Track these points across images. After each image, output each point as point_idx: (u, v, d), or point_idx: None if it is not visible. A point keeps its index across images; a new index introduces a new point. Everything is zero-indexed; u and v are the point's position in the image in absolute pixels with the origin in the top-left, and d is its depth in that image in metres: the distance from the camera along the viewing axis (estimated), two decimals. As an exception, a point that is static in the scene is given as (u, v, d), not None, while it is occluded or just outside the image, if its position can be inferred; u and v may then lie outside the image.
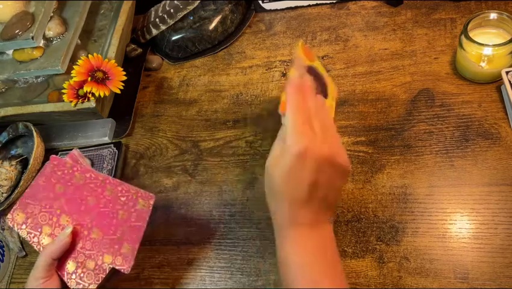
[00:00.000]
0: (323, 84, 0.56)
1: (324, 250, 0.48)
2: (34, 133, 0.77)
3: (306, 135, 0.45)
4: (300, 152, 0.44)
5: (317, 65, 0.57)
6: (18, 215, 0.58)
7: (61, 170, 0.60)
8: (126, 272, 0.56)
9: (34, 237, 0.57)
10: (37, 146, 0.76)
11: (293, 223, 0.47)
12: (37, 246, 0.57)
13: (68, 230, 0.56)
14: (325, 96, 0.55)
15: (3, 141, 0.82)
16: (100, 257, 0.56)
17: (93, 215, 0.58)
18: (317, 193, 0.46)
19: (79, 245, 0.57)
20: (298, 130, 0.45)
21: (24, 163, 0.79)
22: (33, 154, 0.75)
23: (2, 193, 0.76)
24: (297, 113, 0.46)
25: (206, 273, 0.65)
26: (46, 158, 0.78)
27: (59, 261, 0.56)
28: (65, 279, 0.55)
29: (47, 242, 0.57)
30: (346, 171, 0.48)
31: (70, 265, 0.56)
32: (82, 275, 0.55)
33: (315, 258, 0.47)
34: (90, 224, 0.58)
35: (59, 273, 0.56)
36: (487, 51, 0.64)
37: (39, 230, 0.57)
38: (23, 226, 0.57)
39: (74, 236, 0.57)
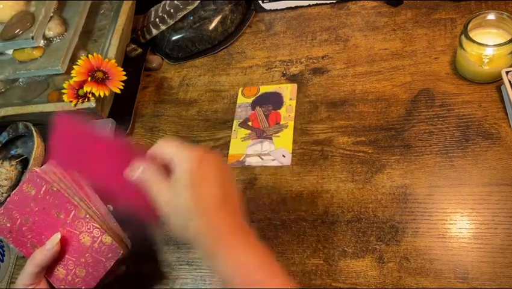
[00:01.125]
0: None
1: (258, 252, 0.45)
2: (34, 133, 0.77)
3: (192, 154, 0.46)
4: (196, 163, 0.45)
5: None
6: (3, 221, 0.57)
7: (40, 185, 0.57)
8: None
9: (21, 247, 0.57)
10: (37, 146, 0.76)
11: (220, 234, 0.44)
12: (25, 255, 0.56)
13: (57, 238, 0.55)
14: None
15: (3, 141, 0.82)
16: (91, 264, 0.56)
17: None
18: (224, 195, 0.46)
19: (68, 251, 0.56)
20: (186, 154, 0.46)
21: (24, 163, 0.79)
22: (33, 154, 0.75)
23: (2, 193, 0.76)
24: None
25: (206, 273, 0.65)
26: (46, 158, 0.78)
27: (49, 268, 0.55)
28: (56, 285, 0.55)
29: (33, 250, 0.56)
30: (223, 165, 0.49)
31: (60, 272, 0.55)
32: (72, 282, 0.55)
33: (255, 262, 0.44)
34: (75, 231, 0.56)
35: (49, 279, 0.55)
36: (487, 51, 0.64)
37: (24, 239, 0.56)
38: (8, 235, 0.57)
39: (63, 242, 0.55)
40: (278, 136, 0.72)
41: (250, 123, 0.75)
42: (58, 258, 0.55)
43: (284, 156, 0.70)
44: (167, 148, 0.48)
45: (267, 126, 0.74)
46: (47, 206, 0.55)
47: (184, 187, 0.45)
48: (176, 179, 0.45)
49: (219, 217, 0.45)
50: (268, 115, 0.75)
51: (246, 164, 0.71)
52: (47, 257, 0.54)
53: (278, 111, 0.75)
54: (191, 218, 0.44)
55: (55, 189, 0.55)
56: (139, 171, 0.47)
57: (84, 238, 0.55)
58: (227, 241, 0.44)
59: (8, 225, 0.57)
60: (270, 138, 0.73)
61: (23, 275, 0.54)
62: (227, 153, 0.74)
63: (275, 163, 0.70)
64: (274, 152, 0.71)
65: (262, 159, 0.71)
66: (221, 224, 0.45)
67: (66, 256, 0.56)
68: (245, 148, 0.73)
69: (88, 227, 0.55)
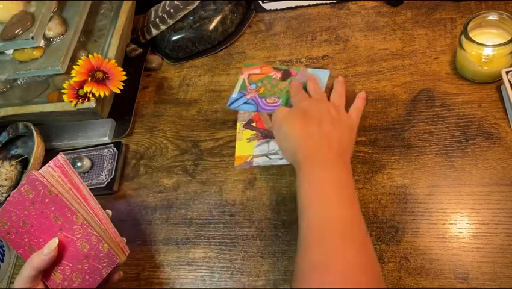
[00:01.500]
0: None
1: (347, 181, 0.55)
2: (34, 133, 0.77)
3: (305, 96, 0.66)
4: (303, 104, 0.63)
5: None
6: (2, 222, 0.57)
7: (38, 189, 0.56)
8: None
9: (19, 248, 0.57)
10: (37, 146, 0.76)
11: (314, 159, 0.56)
12: (22, 257, 0.56)
13: (54, 243, 0.55)
14: None
15: (3, 141, 0.82)
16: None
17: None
18: (329, 133, 0.58)
19: (65, 256, 0.55)
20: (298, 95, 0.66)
21: (24, 163, 0.79)
22: (33, 154, 0.75)
23: (2, 193, 0.76)
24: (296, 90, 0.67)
25: (206, 273, 0.65)
26: (46, 158, 0.78)
27: (46, 271, 0.55)
28: None
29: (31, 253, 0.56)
30: (350, 119, 0.63)
31: (56, 276, 0.55)
32: (69, 288, 0.55)
33: (336, 186, 0.54)
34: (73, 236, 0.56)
35: (46, 283, 0.55)
36: (487, 51, 0.64)
37: (22, 241, 0.56)
38: (6, 237, 0.57)
39: (61, 247, 0.55)
40: None
41: (254, 124, 0.75)
42: (55, 263, 0.55)
43: None
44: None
45: (272, 125, 0.74)
46: (46, 210, 0.55)
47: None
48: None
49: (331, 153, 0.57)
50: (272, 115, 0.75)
51: (254, 164, 0.71)
52: (44, 261, 0.54)
53: None
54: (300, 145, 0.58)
55: (53, 194, 0.55)
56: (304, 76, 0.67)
57: (81, 244, 0.55)
58: (330, 165, 0.56)
59: (6, 227, 0.57)
60: None
61: (20, 277, 0.54)
62: (229, 153, 0.74)
63: (283, 161, 0.70)
64: None
65: (270, 158, 0.71)
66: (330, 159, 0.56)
67: (63, 261, 0.55)
68: (252, 149, 0.73)
69: (86, 233, 0.55)
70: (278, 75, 0.77)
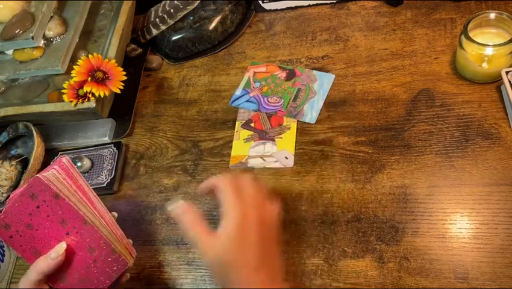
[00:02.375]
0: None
1: None
2: (34, 133, 0.77)
3: (240, 204, 0.49)
4: (241, 219, 0.48)
5: None
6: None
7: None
8: None
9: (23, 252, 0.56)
10: (37, 146, 0.76)
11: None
12: (27, 260, 0.56)
13: (62, 248, 0.54)
14: None
15: (3, 141, 0.82)
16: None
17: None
18: (266, 253, 0.48)
19: (73, 260, 0.55)
20: (233, 203, 0.49)
21: (24, 163, 0.79)
22: (33, 154, 0.75)
23: (2, 193, 0.76)
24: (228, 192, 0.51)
25: (206, 273, 0.65)
26: (46, 158, 0.78)
27: (52, 275, 0.54)
28: None
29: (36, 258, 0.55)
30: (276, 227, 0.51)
31: (64, 281, 0.55)
32: None
33: None
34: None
35: (53, 287, 0.55)
36: (487, 51, 0.64)
37: (26, 245, 0.56)
38: (9, 240, 0.56)
39: (69, 251, 0.54)
40: (281, 137, 0.72)
41: (252, 124, 0.75)
42: (62, 267, 0.54)
43: (286, 157, 0.70)
44: (221, 188, 0.51)
45: (270, 127, 0.74)
46: (51, 213, 0.55)
47: (228, 238, 0.47)
48: (222, 226, 0.48)
49: (258, 277, 0.46)
50: (271, 117, 0.75)
51: (249, 165, 0.71)
52: (51, 266, 0.53)
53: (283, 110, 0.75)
54: (230, 272, 0.47)
55: (60, 198, 0.54)
56: (177, 208, 0.50)
57: (89, 248, 0.54)
58: None
59: (10, 229, 0.56)
60: (273, 140, 0.73)
61: (25, 281, 0.53)
62: (229, 153, 0.74)
63: (277, 165, 0.70)
64: (277, 153, 0.71)
65: (264, 160, 0.71)
66: (260, 285, 0.46)
67: (71, 265, 0.55)
68: (247, 149, 0.73)
69: (94, 237, 0.54)
70: (283, 74, 0.78)
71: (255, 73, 0.80)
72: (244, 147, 0.73)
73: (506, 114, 0.64)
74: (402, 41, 0.76)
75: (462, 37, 0.65)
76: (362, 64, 0.76)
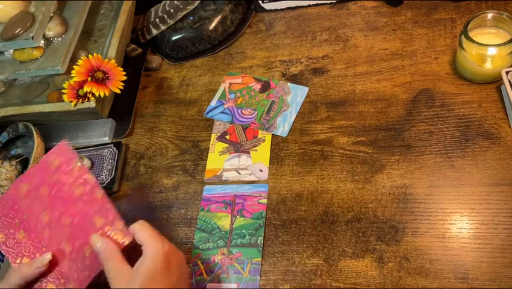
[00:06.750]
0: None
1: None
2: (34, 133, 0.77)
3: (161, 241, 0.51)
4: (153, 257, 0.50)
5: None
6: None
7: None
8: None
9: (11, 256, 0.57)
10: (37, 146, 0.76)
11: None
12: (13, 263, 0.56)
13: (47, 257, 0.55)
14: None
15: (3, 141, 0.82)
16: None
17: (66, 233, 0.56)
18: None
19: (58, 266, 0.55)
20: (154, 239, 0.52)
21: (24, 163, 0.79)
22: (33, 154, 0.75)
23: (2, 193, 0.76)
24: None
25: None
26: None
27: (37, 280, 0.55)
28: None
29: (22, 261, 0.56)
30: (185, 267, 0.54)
31: (49, 286, 0.55)
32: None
33: None
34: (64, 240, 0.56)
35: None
36: (487, 51, 0.64)
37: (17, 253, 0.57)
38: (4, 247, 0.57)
39: (53, 258, 0.55)
40: (256, 150, 0.72)
41: (228, 137, 0.75)
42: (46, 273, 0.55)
43: (261, 170, 0.70)
44: (142, 232, 0.52)
45: (245, 139, 0.74)
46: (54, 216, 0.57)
47: (142, 275, 0.48)
48: (138, 263, 0.50)
49: None
50: (246, 129, 0.75)
51: (224, 178, 0.71)
52: (34, 274, 0.54)
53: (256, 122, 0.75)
54: None
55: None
56: (98, 245, 0.52)
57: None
58: None
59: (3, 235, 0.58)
60: (248, 152, 0.72)
61: (5, 283, 0.54)
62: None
63: (252, 178, 0.69)
64: (251, 166, 0.71)
65: (239, 173, 0.70)
66: None
67: (56, 269, 0.55)
68: (223, 162, 0.72)
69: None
70: (258, 86, 0.78)
71: (230, 84, 0.80)
72: (219, 160, 0.73)
73: (506, 114, 0.64)
74: (402, 41, 0.76)
75: (462, 37, 0.65)
76: (362, 64, 0.76)
